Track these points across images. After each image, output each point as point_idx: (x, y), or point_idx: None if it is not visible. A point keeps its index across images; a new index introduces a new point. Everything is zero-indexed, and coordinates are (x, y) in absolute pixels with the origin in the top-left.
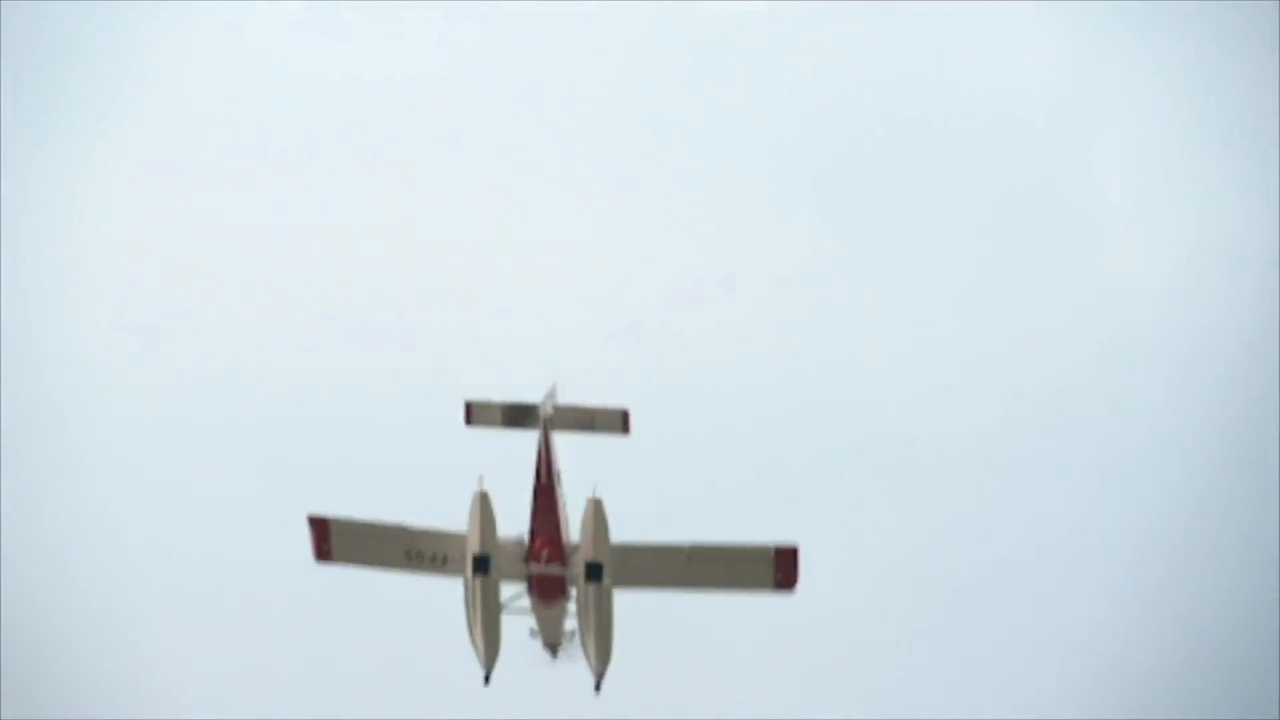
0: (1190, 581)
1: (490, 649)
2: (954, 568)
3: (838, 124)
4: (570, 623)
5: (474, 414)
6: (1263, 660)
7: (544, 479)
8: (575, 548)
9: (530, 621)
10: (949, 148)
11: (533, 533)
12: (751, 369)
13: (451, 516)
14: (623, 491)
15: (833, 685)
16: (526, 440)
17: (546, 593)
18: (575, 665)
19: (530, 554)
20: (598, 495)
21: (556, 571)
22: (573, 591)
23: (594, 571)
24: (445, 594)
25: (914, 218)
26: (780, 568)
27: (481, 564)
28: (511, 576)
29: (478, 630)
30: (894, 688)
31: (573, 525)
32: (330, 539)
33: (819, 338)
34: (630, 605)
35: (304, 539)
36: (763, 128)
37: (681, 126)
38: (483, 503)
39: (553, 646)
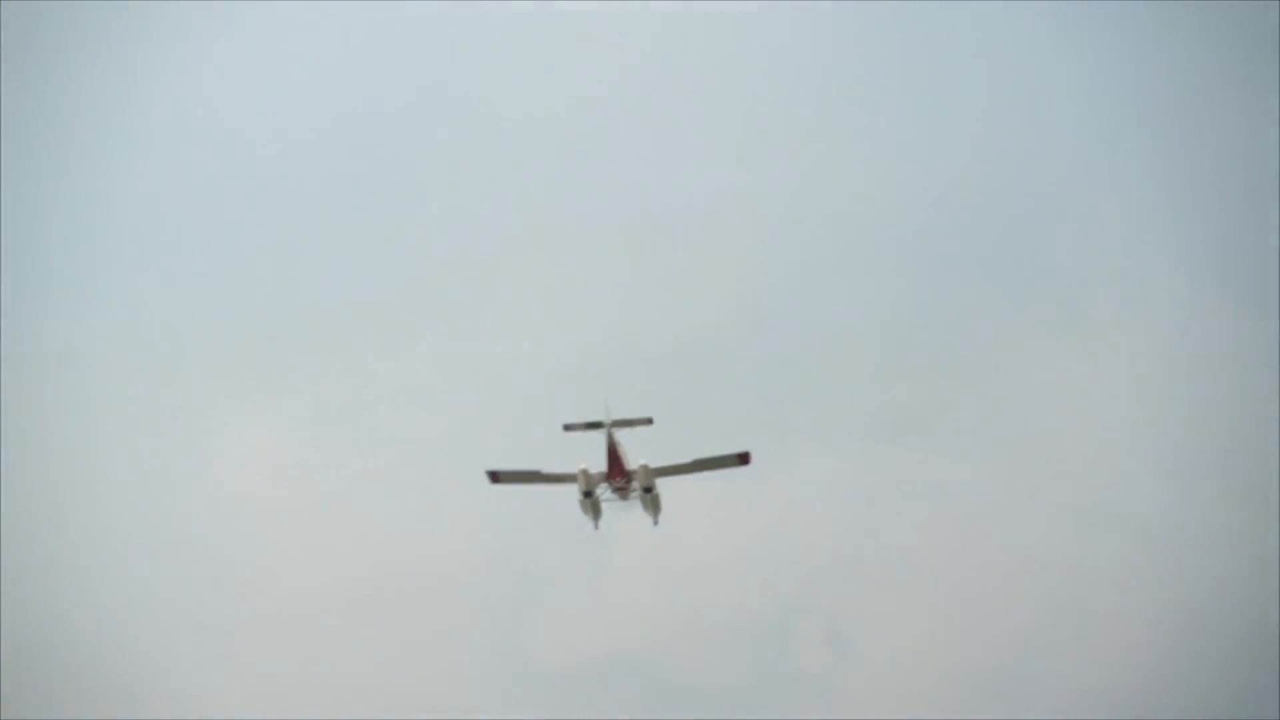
0: (1191, 581)
1: (596, 518)
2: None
3: None
4: (634, 497)
5: (570, 427)
6: (1263, 660)
7: (611, 450)
8: (633, 471)
9: (613, 500)
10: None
11: (610, 466)
12: None
13: (565, 463)
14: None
15: None
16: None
17: (621, 491)
18: (641, 517)
19: (610, 477)
20: (646, 462)
21: (624, 485)
22: (634, 487)
23: (648, 490)
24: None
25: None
26: (741, 458)
27: (588, 494)
28: (600, 485)
29: (589, 513)
30: None
31: (629, 459)
32: (500, 476)
33: None
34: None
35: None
36: None
37: None
38: (584, 474)
39: (622, 493)
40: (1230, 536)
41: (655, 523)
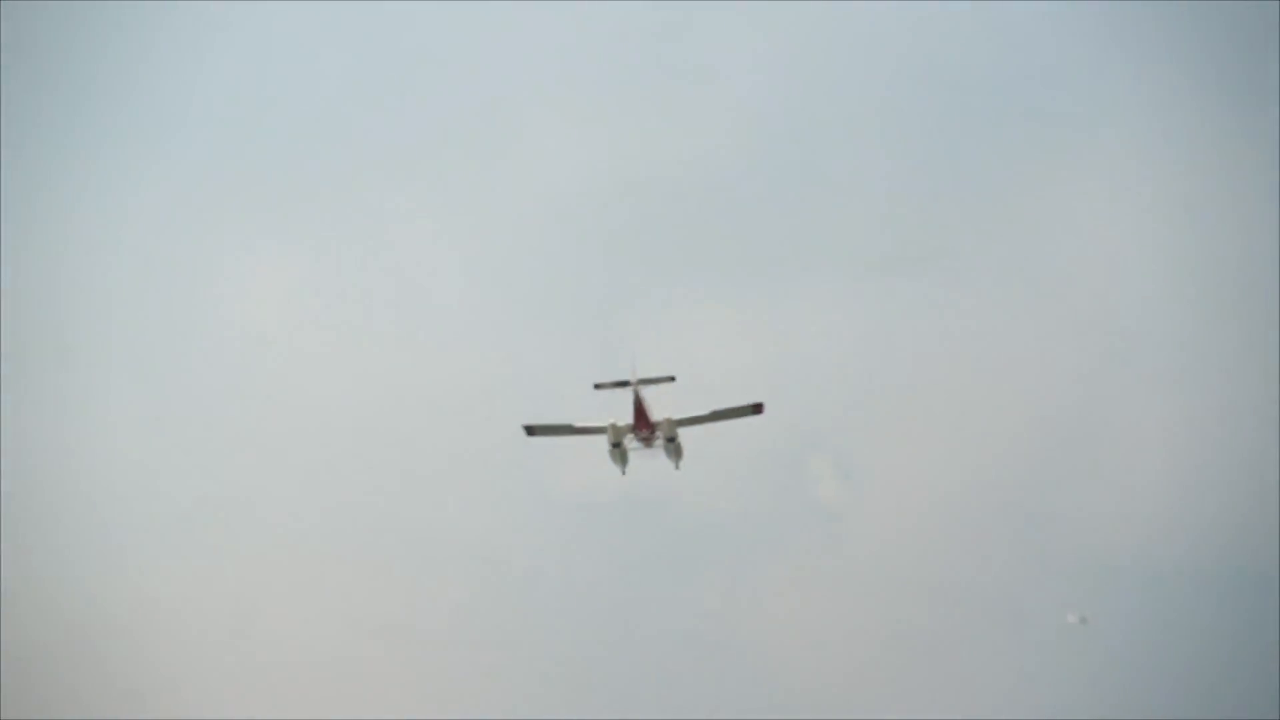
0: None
1: (624, 465)
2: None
3: None
4: (657, 445)
5: (600, 386)
6: (1263, 660)
7: (637, 406)
8: (658, 424)
9: (639, 449)
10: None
11: (636, 420)
12: None
13: (598, 416)
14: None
15: None
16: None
17: (646, 441)
18: (664, 462)
19: (635, 428)
20: (670, 415)
21: (649, 436)
22: (658, 437)
23: (670, 440)
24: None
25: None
26: (755, 408)
27: (616, 445)
28: (628, 435)
29: (618, 461)
30: None
31: (654, 412)
32: (535, 430)
33: None
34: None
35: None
36: None
37: None
38: (613, 427)
39: (647, 442)
40: (1234, 356)
41: (677, 467)
